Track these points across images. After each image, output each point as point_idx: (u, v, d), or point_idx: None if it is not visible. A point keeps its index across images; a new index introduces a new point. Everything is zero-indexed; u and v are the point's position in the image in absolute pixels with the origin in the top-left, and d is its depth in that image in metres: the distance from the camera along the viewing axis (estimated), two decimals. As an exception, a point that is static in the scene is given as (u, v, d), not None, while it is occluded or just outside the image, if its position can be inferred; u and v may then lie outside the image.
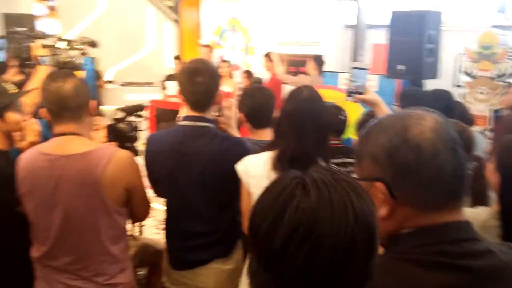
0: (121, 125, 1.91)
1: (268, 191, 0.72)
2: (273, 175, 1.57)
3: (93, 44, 2.26)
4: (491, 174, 1.73)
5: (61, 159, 1.66)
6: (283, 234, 0.66)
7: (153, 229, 4.07)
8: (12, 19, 5.16)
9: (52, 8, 8.52)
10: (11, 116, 1.96)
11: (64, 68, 2.11)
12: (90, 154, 1.67)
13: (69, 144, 1.69)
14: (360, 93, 1.81)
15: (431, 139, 0.83)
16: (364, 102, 1.83)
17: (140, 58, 8.88)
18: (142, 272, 2.23)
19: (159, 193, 2.03)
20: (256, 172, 1.71)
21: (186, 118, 1.91)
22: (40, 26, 7.79)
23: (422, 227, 0.84)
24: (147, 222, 4.17)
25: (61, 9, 9.03)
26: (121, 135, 1.92)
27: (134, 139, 1.98)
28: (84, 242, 1.70)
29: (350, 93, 1.83)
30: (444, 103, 2.67)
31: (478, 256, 0.81)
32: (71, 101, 1.68)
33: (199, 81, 1.83)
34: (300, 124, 1.67)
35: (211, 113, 1.95)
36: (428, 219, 0.84)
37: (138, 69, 8.77)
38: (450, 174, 0.83)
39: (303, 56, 7.04)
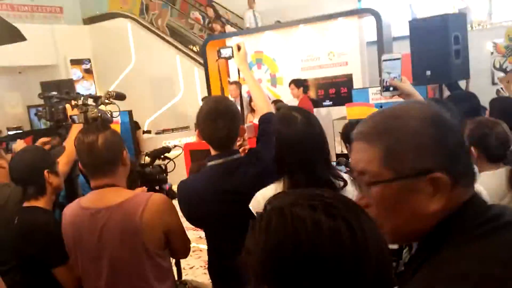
0: (148, 169, 1.95)
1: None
2: None
3: (119, 97, 2.31)
4: None
5: (101, 211, 1.73)
6: None
7: (201, 269, 4.09)
8: (49, 87, 5.43)
9: (87, 71, 9.01)
10: (54, 177, 2.06)
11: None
12: (127, 202, 1.72)
13: (106, 196, 1.76)
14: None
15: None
16: (401, 90, 1.69)
17: (173, 105, 9.16)
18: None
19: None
20: None
21: (213, 157, 1.82)
22: (78, 89, 8.26)
23: (463, 204, 0.82)
24: (195, 262, 4.23)
25: (96, 70, 9.53)
26: (149, 179, 1.97)
27: (164, 181, 2.02)
28: (133, 287, 1.74)
29: (385, 88, 1.69)
30: (467, 105, 2.66)
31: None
32: (104, 156, 1.75)
33: (220, 125, 1.76)
34: (307, 154, 1.60)
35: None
36: (462, 195, 0.83)
37: (172, 116, 9.04)
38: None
39: (332, 78, 7.04)
